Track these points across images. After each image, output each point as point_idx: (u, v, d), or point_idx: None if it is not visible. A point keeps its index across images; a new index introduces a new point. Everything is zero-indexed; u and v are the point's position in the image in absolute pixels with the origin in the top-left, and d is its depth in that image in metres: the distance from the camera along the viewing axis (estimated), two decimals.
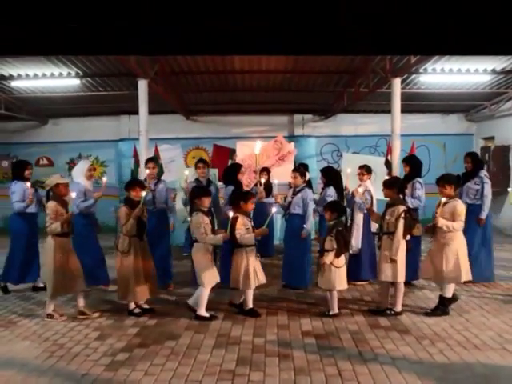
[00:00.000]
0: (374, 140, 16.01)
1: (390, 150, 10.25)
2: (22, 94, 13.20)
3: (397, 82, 10.06)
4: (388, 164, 9.88)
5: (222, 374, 5.18)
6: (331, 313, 7.01)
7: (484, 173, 8.59)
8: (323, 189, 8.83)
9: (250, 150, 10.05)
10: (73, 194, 7.30)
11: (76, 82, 12.03)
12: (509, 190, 7.80)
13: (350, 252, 8.38)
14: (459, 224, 6.91)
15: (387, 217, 7.02)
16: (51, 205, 7.03)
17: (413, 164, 8.67)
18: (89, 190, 8.23)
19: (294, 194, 8.42)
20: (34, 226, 8.57)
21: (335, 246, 6.86)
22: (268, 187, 9.57)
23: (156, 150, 11.23)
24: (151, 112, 9.74)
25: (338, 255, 6.89)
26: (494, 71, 11.79)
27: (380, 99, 13.33)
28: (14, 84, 12.15)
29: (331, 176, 8.71)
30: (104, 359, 5.63)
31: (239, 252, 6.98)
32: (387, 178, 8.13)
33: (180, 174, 9.41)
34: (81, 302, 7.22)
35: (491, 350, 5.75)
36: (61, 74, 11.53)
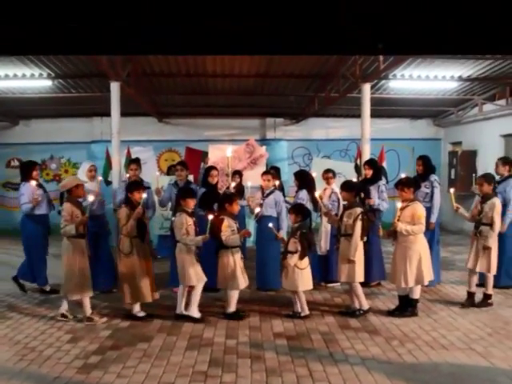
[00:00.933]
0: (345, 144, 16.18)
1: (359, 154, 10.39)
2: None
3: (366, 88, 10.20)
4: (357, 168, 10.01)
5: (194, 376, 5.23)
6: (302, 314, 7.09)
7: (435, 177, 8.74)
8: (297, 192, 8.91)
9: (223, 153, 10.10)
10: (90, 198, 7.19)
11: (48, 83, 11.92)
12: (451, 191, 7.95)
13: (319, 253, 8.52)
14: (419, 227, 7.02)
15: (345, 219, 7.17)
16: (66, 206, 6.99)
17: (376, 167, 8.85)
18: (90, 191, 8.19)
19: (265, 196, 8.49)
20: (45, 228, 8.51)
21: (299, 248, 6.94)
22: (240, 190, 9.62)
23: (128, 153, 11.22)
24: (123, 114, 9.71)
25: (301, 257, 6.97)
26: (460, 78, 12.03)
27: (350, 104, 13.48)
28: None
29: (304, 180, 8.79)
30: (76, 362, 5.63)
31: (225, 253, 7.06)
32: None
33: (152, 176, 9.39)
34: (87, 306, 7.14)
35: (458, 350, 5.90)
36: (32, 75, 11.42)
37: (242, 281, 7.09)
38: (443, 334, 6.41)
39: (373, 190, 8.51)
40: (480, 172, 13.28)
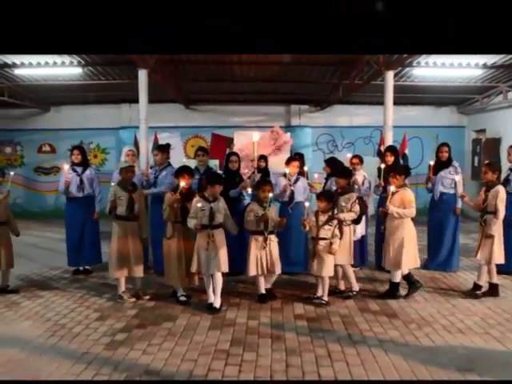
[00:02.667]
0: (369, 131, 16.21)
1: (382, 141, 10.46)
2: (25, 81, 13.32)
3: (390, 75, 10.24)
4: (381, 154, 10.08)
5: (216, 354, 5.42)
6: (325, 298, 7.20)
7: (457, 163, 8.91)
8: (327, 179, 9.02)
9: (248, 140, 10.21)
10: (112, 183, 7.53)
11: (78, 70, 12.19)
12: (456, 178, 8.09)
13: (354, 239, 8.67)
14: (411, 211, 7.19)
15: (342, 203, 7.39)
16: (111, 187, 7.38)
17: (397, 154, 8.97)
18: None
19: (294, 182, 8.58)
20: (82, 210, 8.77)
21: (338, 234, 7.09)
22: (266, 174, 9.72)
23: (155, 138, 11.41)
24: (151, 101, 9.88)
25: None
26: (485, 65, 11.97)
27: (374, 91, 13.49)
28: (17, 72, 12.28)
29: (335, 166, 8.88)
30: (104, 339, 5.87)
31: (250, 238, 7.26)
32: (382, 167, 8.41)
33: (179, 162, 9.57)
34: (138, 285, 7.47)
35: (475, 334, 6.00)
36: (63, 63, 11.68)
37: (252, 268, 7.14)
38: (461, 319, 6.52)
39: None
40: (504, 159, 13.28)
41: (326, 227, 7.07)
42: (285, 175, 8.68)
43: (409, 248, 7.22)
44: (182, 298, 7.21)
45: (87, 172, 8.80)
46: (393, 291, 7.41)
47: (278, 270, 7.24)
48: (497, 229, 7.31)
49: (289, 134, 12.35)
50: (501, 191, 7.32)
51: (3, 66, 11.90)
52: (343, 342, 5.74)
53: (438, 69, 12.14)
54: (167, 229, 7.13)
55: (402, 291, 7.48)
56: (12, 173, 8.13)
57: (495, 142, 14.35)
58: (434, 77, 13.10)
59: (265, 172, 9.58)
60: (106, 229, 9.07)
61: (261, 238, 7.13)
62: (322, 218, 7.12)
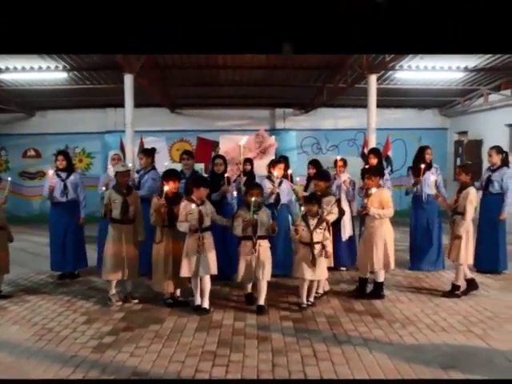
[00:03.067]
0: (353, 133, 16.40)
1: (366, 144, 10.59)
2: (9, 86, 13.35)
3: (373, 79, 10.39)
4: (364, 156, 10.21)
5: (203, 355, 5.48)
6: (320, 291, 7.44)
7: (436, 165, 9.19)
8: (308, 181, 9.11)
9: (233, 143, 10.29)
10: (103, 188, 7.69)
11: (63, 75, 12.25)
12: (431, 178, 8.27)
13: (343, 240, 8.79)
14: (389, 211, 7.34)
15: (324, 206, 7.46)
16: (106, 191, 7.48)
17: (380, 156, 9.10)
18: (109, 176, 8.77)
19: (279, 185, 8.62)
20: (66, 215, 8.76)
21: (329, 237, 7.11)
22: (251, 178, 9.78)
23: (141, 142, 11.46)
24: (137, 105, 9.94)
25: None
26: (466, 69, 12.18)
27: (358, 94, 13.64)
28: (2, 76, 12.30)
29: (318, 168, 8.99)
30: (91, 342, 5.90)
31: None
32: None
33: (163, 166, 9.61)
34: (128, 288, 7.51)
35: (458, 332, 6.11)
36: (48, 68, 11.72)
37: (240, 274, 7.06)
38: (444, 317, 6.63)
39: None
40: (485, 161, 13.46)
41: (318, 230, 6.99)
42: (268, 177, 8.73)
43: (391, 246, 7.39)
44: (169, 301, 7.24)
45: (71, 177, 8.73)
46: (377, 291, 7.52)
47: (266, 276, 7.01)
48: (465, 229, 7.43)
49: (274, 137, 12.45)
50: (471, 192, 7.43)
51: None
52: (328, 342, 5.82)
53: (420, 72, 12.33)
54: (156, 234, 7.14)
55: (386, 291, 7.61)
56: (9, 178, 8.17)
57: (477, 144, 14.59)
58: (417, 80, 13.30)
59: (250, 175, 9.65)
60: (91, 233, 9.10)
61: (249, 244, 6.95)
62: (312, 221, 7.04)
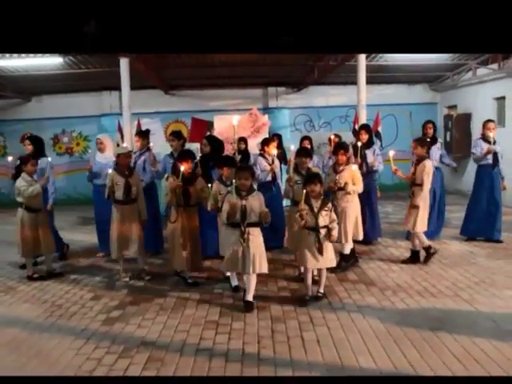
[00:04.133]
0: (344, 110, 16.60)
1: (357, 120, 10.84)
2: (5, 72, 13.53)
3: (362, 57, 10.58)
4: (355, 133, 10.45)
5: (207, 325, 5.82)
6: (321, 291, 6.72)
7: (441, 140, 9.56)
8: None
9: (227, 123, 10.51)
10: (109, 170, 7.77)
11: (59, 60, 12.45)
12: (390, 154, 8.08)
13: None
14: (361, 186, 7.65)
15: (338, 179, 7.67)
16: (109, 173, 7.64)
17: (371, 132, 9.41)
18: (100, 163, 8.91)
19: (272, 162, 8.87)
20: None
21: (335, 218, 6.50)
22: (246, 156, 10.04)
23: (138, 125, 11.66)
24: (132, 88, 10.14)
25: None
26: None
27: (349, 72, 13.73)
28: None
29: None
30: (100, 316, 6.24)
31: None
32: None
33: (159, 146, 9.84)
34: (140, 265, 7.81)
35: (446, 297, 6.47)
36: (44, 53, 11.81)
37: (225, 264, 6.55)
38: (433, 284, 6.98)
39: (369, 153, 9.01)
40: (474, 134, 13.79)
41: (324, 213, 6.33)
42: (261, 155, 9.02)
43: (360, 219, 7.81)
44: (190, 281, 7.42)
45: (39, 163, 8.28)
46: (348, 261, 7.94)
47: (258, 268, 6.26)
48: (422, 199, 7.83)
49: (267, 116, 12.68)
50: (427, 165, 7.82)
51: None
52: (324, 309, 6.15)
53: None
54: (171, 213, 7.19)
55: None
56: (49, 159, 8.49)
57: (466, 117, 14.89)
58: (405, 57, 13.52)
59: (245, 154, 9.90)
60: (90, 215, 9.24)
61: (237, 232, 6.27)
62: (316, 203, 6.38)
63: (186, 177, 6.98)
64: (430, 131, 9.47)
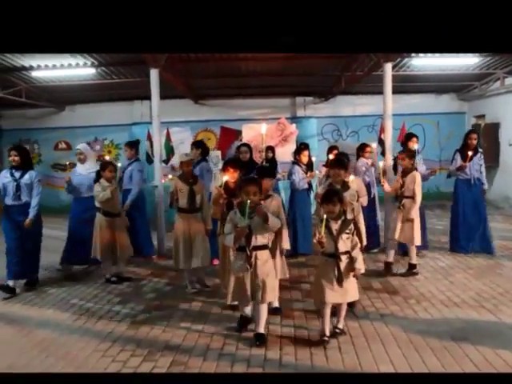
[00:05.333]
0: (372, 120, 16.57)
1: (382, 130, 10.87)
2: (41, 83, 13.89)
3: (388, 67, 10.54)
4: (381, 142, 10.48)
5: (230, 330, 5.91)
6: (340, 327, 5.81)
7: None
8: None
9: (255, 132, 10.64)
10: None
11: (91, 71, 12.78)
12: (380, 164, 8.35)
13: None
14: (365, 199, 7.31)
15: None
16: (171, 180, 7.89)
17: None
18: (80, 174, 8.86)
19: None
20: (20, 220, 7.61)
21: (358, 243, 5.55)
22: (274, 164, 10.13)
23: (168, 134, 11.84)
24: (162, 97, 10.25)
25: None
26: (481, 53, 12.35)
27: (376, 81, 13.64)
28: (34, 74, 12.89)
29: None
30: (126, 320, 6.38)
31: None
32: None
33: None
34: (201, 275, 7.76)
35: (470, 307, 6.44)
36: (77, 64, 12.27)
37: (229, 294, 5.73)
38: (457, 294, 6.97)
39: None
40: (503, 143, 13.71)
41: (344, 236, 5.40)
42: (296, 163, 9.34)
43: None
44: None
45: (26, 176, 7.63)
46: None
47: (268, 297, 5.51)
48: (415, 212, 7.84)
49: (294, 125, 12.76)
50: (417, 176, 7.83)
51: (21, 69, 12.52)
52: (347, 317, 6.06)
53: (435, 58, 12.54)
54: (219, 227, 6.54)
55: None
56: (119, 164, 8.78)
57: (494, 127, 14.79)
58: (433, 66, 13.51)
59: (272, 162, 10.01)
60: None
61: (243, 256, 5.43)
62: (335, 225, 5.41)
63: (230, 187, 6.27)
64: (474, 142, 9.08)
